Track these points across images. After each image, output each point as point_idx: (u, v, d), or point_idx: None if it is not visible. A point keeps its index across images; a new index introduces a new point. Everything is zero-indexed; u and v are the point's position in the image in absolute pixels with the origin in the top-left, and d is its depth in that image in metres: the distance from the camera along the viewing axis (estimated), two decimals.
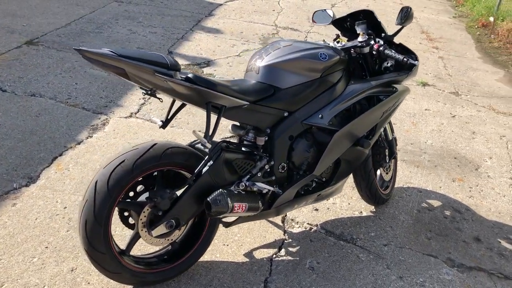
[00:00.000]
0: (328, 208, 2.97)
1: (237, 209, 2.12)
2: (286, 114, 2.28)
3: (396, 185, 3.24)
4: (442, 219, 3.01)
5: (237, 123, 2.32)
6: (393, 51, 2.50)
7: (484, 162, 3.81)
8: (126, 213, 2.18)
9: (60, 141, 3.29)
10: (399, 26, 2.55)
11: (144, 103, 4.02)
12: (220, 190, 2.08)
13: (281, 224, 2.77)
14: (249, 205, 2.17)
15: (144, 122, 3.70)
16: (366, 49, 2.53)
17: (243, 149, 2.28)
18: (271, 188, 2.29)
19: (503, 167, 3.77)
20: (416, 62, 2.51)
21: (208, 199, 2.04)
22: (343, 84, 2.42)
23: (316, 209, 2.94)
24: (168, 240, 2.14)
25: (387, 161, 2.85)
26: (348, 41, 2.69)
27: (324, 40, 2.62)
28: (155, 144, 2.06)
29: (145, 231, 2.07)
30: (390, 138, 2.90)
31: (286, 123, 2.29)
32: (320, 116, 2.34)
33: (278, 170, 2.32)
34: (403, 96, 2.66)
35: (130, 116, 3.78)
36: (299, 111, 2.31)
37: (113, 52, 1.80)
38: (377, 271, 2.48)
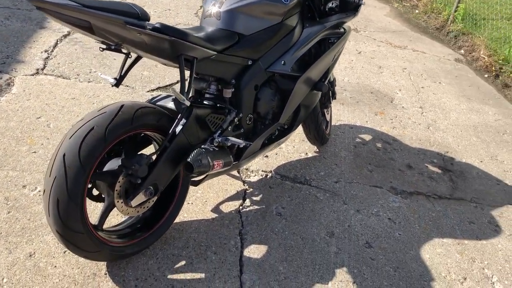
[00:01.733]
0: (276, 154, 2.99)
1: (216, 167, 2.03)
2: (250, 62, 2.18)
3: None
4: (376, 151, 3.23)
5: (198, 76, 2.17)
6: None
7: (396, 94, 4.12)
8: (89, 185, 1.97)
9: None
10: None
11: (48, 56, 3.54)
12: (198, 149, 1.96)
13: (238, 175, 2.73)
14: (224, 161, 2.09)
15: (57, 79, 3.28)
16: None
17: (211, 103, 2.15)
18: (242, 142, 2.23)
19: (412, 97, 4.12)
20: (362, 1, 2.54)
21: (189, 160, 1.92)
22: (300, 28, 2.38)
23: (266, 156, 2.94)
24: (144, 208, 1.99)
25: (331, 100, 2.93)
26: None
27: None
28: (122, 105, 1.84)
29: (122, 202, 1.89)
30: (332, 79, 2.97)
31: (251, 72, 2.20)
32: (282, 62, 2.29)
33: (246, 122, 2.25)
34: (348, 37, 2.71)
35: (37, 73, 3.31)
36: (262, 58, 2.23)
37: (77, 3, 1.53)
38: (336, 207, 2.61)
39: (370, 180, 2.91)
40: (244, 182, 2.69)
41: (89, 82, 3.30)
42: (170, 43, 1.75)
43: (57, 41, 3.79)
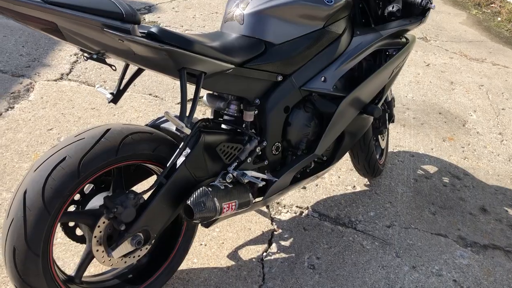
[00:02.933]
0: (316, 185, 2.50)
1: (226, 210, 1.59)
2: (280, 78, 1.72)
3: None
4: (442, 187, 2.65)
5: (215, 93, 1.74)
6: None
7: (470, 116, 3.48)
8: (71, 223, 1.60)
9: None
10: None
11: (77, 60, 3.27)
12: (203, 187, 1.53)
13: (265, 210, 2.27)
14: (239, 202, 1.65)
15: (80, 86, 2.99)
16: None
17: (226, 127, 1.71)
18: (265, 177, 1.77)
19: (489, 121, 3.46)
20: (432, 5, 2.00)
21: (189, 202, 1.49)
22: (348, 36, 1.89)
23: (304, 187, 2.46)
24: (134, 257, 1.58)
25: (387, 125, 2.39)
26: None
27: None
28: (108, 130, 1.44)
29: (102, 251, 1.50)
30: (390, 98, 2.44)
31: (281, 90, 1.74)
32: (322, 79, 1.81)
33: (272, 152, 1.79)
34: (412, 49, 2.17)
35: (61, 79, 3.04)
36: (297, 73, 1.76)
37: None
38: (386, 261, 2.08)
39: (433, 225, 2.34)
40: (272, 220, 2.22)
41: None
42: (167, 54, 1.34)
43: None
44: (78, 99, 2.84)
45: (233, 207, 1.62)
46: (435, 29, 5.13)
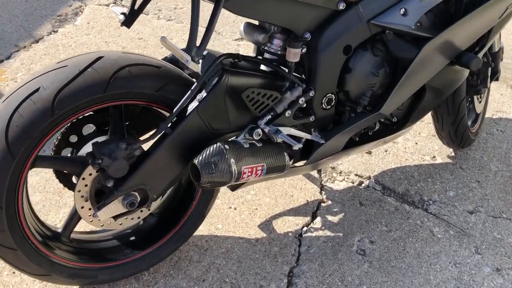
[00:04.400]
0: (386, 151, 2.04)
1: (248, 175, 1.22)
2: (342, 6, 1.27)
3: None
4: None
5: (253, 21, 1.32)
6: None
7: None
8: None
9: (11, 37, 2.35)
10: None
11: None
12: (218, 144, 1.17)
13: (316, 174, 1.88)
14: (269, 166, 1.27)
15: None
16: None
17: (262, 68, 1.31)
18: (308, 136, 1.37)
19: None
20: None
21: (195, 161, 1.14)
22: None
23: (369, 152, 2.02)
24: (133, 219, 1.29)
25: (488, 84, 1.83)
26: None
27: None
28: (99, 58, 1.11)
29: (89, 209, 1.21)
30: (497, 49, 1.85)
31: (341, 22, 1.29)
32: (402, 11, 1.32)
33: (321, 106, 1.36)
34: None
35: (114, 3, 2.76)
36: (365, 1, 1.30)
37: None
38: (461, 257, 1.62)
39: None
40: (322, 188, 1.83)
41: (168, 20, 2.65)
42: None
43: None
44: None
45: (259, 172, 1.24)
46: None
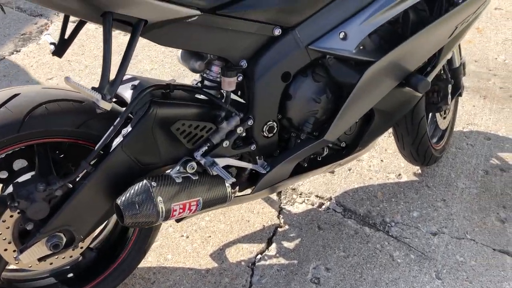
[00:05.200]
0: (350, 169, 1.99)
1: (179, 212, 1.18)
2: (278, 31, 1.22)
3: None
4: None
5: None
6: None
7: None
8: None
9: None
10: None
11: None
12: (144, 181, 1.12)
13: (275, 197, 1.83)
14: (205, 200, 1.22)
15: (97, 30, 2.65)
16: None
17: (197, 97, 1.26)
18: (250, 166, 1.32)
19: None
20: None
21: (118, 201, 1.09)
22: None
23: (332, 171, 1.96)
24: (64, 259, 1.24)
25: (449, 101, 1.77)
26: None
27: None
28: (15, 95, 1.07)
29: (14, 251, 1.17)
30: (458, 64, 1.80)
31: (278, 49, 1.24)
32: (341, 35, 1.27)
33: (262, 134, 1.31)
34: (486, 3, 1.52)
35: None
36: (303, 26, 1.25)
37: None
38: (420, 283, 1.56)
39: (498, 238, 1.75)
40: (280, 211, 1.77)
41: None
42: None
43: None
44: (91, 44, 2.51)
45: (193, 207, 1.20)
46: None
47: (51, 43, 1.27)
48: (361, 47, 1.30)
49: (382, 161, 2.04)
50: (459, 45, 1.84)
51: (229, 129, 1.24)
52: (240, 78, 1.24)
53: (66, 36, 1.24)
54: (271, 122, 1.30)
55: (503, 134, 2.26)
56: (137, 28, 1.03)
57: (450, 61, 1.78)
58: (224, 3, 1.12)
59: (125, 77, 1.26)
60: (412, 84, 1.39)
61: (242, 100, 1.31)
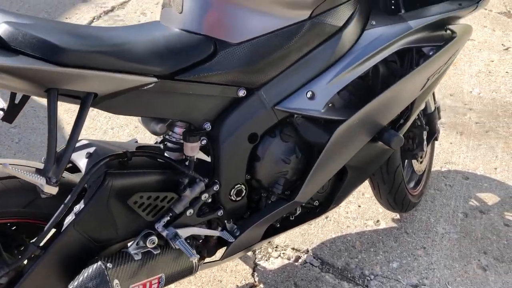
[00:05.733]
0: (327, 217, 1.92)
1: None
2: (242, 93, 1.16)
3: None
4: (502, 228, 1.95)
5: None
6: None
7: None
8: None
9: None
10: None
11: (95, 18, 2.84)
12: (99, 263, 1.03)
13: (249, 252, 1.74)
14: (168, 275, 1.14)
15: None
16: None
17: (159, 160, 1.19)
18: (216, 234, 1.24)
19: None
20: None
21: (71, 287, 1.00)
22: (356, 29, 1.26)
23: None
24: None
25: (425, 147, 1.73)
26: None
27: None
28: None
29: None
30: (432, 109, 1.76)
31: (244, 110, 1.18)
32: (308, 94, 1.22)
33: (230, 198, 1.24)
34: (462, 45, 1.49)
35: None
36: (268, 86, 1.19)
37: None
38: None
39: (482, 287, 1.70)
40: (255, 267, 1.69)
41: None
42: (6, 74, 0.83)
43: (94, 18, 3.08)
44: None
45: (155, 285, 1.11)
46: None
47: (0, 109, 1.19)
48: (330, 106, 1.24)
49: (360, 207, 1.98)
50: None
51: (193, 196, 1.17)
52: (204, 142, 1.17)
53: (16, 101, 1.16)
54: (239, 186, 1.23)
55: (481, 173, 2.22)
56: (86, 101, 0.96)
57: (424, 107, 1.74)
58: (183, 68, 1.06)
59: (80, 143, 1.19)
60: (385, 140, 1.34)
61: (208, 158, 1.24)
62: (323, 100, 1.22)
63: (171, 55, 1.05)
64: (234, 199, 1.24)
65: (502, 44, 3.39)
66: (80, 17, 3.04)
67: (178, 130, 1.20)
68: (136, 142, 1.35)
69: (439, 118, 1.83)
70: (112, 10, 3.19)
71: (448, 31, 1.39)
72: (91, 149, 1.15)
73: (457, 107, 2.66)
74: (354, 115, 1.25)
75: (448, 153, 2.33)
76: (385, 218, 1.94)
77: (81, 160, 1.14)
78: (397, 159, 1.64)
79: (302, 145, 1.27)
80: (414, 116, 1.45)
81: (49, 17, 3.00)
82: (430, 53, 1.36)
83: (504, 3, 4.02)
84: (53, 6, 3.13)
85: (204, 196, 1.18)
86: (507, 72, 3.05)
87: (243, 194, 1.25)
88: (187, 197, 1.16)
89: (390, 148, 1.36)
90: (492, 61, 3.17)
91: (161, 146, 1.24)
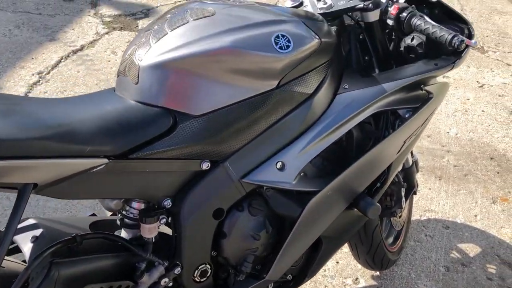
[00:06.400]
0: None
1: None
2: (206, 165, 1.06)
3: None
4: (484, 282, 1.88)
5: None
6: (427, 18, 1.25)
7: None
8: None
9: None
10: None
11: (39, 81, 2.74)
12: None
13: None
14: None
15: None
16: (372, 15, 1.27)
17: (114, 242, 1.08)
18: None
19: None
20: (472, 41, 1.26)
21: None
22: (327, 95, 1.19)
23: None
24: None
25: (403, 205, 1.65)
26: None
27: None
28: None
29: None
30: (410, 163, 1.69)
31: (208, 184, 1.08)
32: (278, 165, 1.13)
33: (194, 280, 1.13)
34: (439, 104, 1.43)
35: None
36: (234, 158, 1.10)
37: None
38: None
39: None
40: None
41: None
42: None
43: (61, 58, 2.97)
44: None
45: None
46: (496, 35, 4.20)
47: None
48: (302, 176, 1.16)
49: (338, 263, 1.89)
50: None
51: (151, 282, 1.06)
52: (163, 221, 1.07)
53: None
54: (203, 266, 1.13)
55: (461, 221, 2.16)
56: (24, 193, 0.85)
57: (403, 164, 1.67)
58: (138, 145, 0.96)
59: (27, 222, 1.07)
60: (361, 208, 1.25)
61: (169, 230, 1.13)
62: (294, 171, 1.13)
63: (124, 131, 0.96)
64: (198, 280, 1.14)
65: (477, 81, 3.39)
66: (47, 57, 2.93)
67: (136, 205, 1.09)
68: (93, 215, 1.24)
69: (417, 171, 1.76)
70: (81, 49, 3.09)
71: (425, 92, 1.33)
72: (38, 232, 1.03)
73: (435, 149, 2.61)
74: (328, 186, 1.16)
75: (427, 199, 2.27)
76: (364, 275, 1.85)
77: (25, 244, 1.02)
78: (374, 220, 1.55)
79: (273, 218, 1.18)
80: (391, 180, 1.38)
81: (14, 57, 2.89)
82: (406, 116, 1.29)
83: (478, 38, 4.06)
84: (18, 46, 3.01)
85: (164, 281, 1.07)
86: (483, 111, 3.04)
87: (208, 275, 1.14)
88: (144, 283, 1.05)
89: (366, 217, 1.27)
90: (468, 99, 3.16)
91: (118, 221, 1.13)
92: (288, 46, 1.04)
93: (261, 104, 1.07)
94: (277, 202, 1.16)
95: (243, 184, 1.11)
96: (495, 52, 3.89)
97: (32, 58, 2.91)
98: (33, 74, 2.77)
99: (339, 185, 1.19)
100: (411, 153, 1.71)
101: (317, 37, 1.10)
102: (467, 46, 1.26)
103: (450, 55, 1.32)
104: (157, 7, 3.81)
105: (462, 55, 1.31)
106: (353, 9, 1.26)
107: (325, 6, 1.27)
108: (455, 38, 1.15)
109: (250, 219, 1.15)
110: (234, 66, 1.01)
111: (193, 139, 1.02)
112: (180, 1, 3.96)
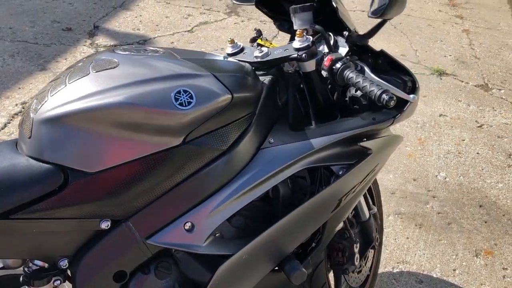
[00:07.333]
0: None
1: None
2: (106, 225, 0.99)
3: (380, 270, 1.95)
4: None
5: None
6: (367, 70, 1.17)
7: None
8: None
9: None
10: (377, 20, 1.19)
11: (21, 111, 2.74)
12: None
13: None
14: None
15: None
16: (308, 66, 1.19)
17: None
18: None
19: None
20: (411, 96, 1.17)
21: None
22: (248, 149, 1.11)
23: None
24: None
25: (356, 262, 1.53)
26: (290, 41, 1.38)
27: (234, 44, 1.27)
28: None
29: None
30: (367, 216, 1.58)
31: (108, 244, 1.01)
32: (186, 226, 1.05)
33: None
34: (382, 160, 1.33)
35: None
36: (137, 217, 1.02)
37: None
38: None
39: None
40: None
41: None
42: None
43: None
44: None
45: None
46: (504, 72, 4.05)
47: None
48: (214, 239, 1.07)
49: None
50: (371, 193, 1.65)
51: None
52: (57, 283, 1.00)
53: None
54: None
55: (437, 275, 2.02)
56: None
57: (357, 215, 1.56)
58: (23, 204, 0.91)
59: None
60: (286, 272, 1.16)
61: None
62: (204, 232, 1.05)
63: (7, 189, 0.90)
64: None
65: (476, 121, 3.25)
66: (34, 87, 2.95)
67: (40, 263, 1.03)
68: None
69: (379, 223, 1.65)
70: None
71: (361, 147, 1.23)
72: None
73: (419, 194, 2.48)
74: (243, 249, 1.07)
75: (403, 250, 2.13)
76: None
77: None
78: (321, 277, 1.44)
79: (184, 282, 1.09)
80: (327, 240, 1.28)
81: (1, 87, 2.92)
82: (340, 173, 1.20)
83: (482, 75, 3.93)
84: (8, 75, 3.04)
85: None
86: (478, 153, 2.89)
87: None
88: None
89: (290, 282, 1.17)
90: (463, 140, 3.01)
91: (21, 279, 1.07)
92: (189, 103, 0.98)
93: (166, 160, 1.00)
94: (187, 265, 1.07)
95: (148, 245, 1.03)
96: (500, 90, 3.74)
97: (19, 88, 2.94)
98: (16, 104, 2.79)
99: (259, 246, 1.10)
100: (368, 205, 1.60)
101: (228, 92, 1.03)
102: (406, 101, 1.17)
103: (392, 108, 1.22)
104: (154, 38, 3.83)
105: (404, 109, 1.22)
106: (287, 58, 1.19)
107: (260, 54, 1.21)
108: (384, 94, 1.06)
109: (157, 283, 1.07)
110: (128, 121, 0.95)
111: (88, 197, 0.96)
112: (189, 30, 3.97)
